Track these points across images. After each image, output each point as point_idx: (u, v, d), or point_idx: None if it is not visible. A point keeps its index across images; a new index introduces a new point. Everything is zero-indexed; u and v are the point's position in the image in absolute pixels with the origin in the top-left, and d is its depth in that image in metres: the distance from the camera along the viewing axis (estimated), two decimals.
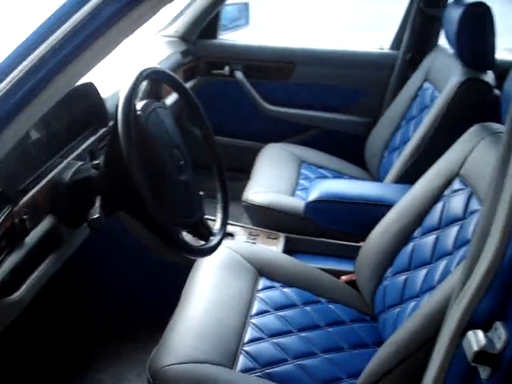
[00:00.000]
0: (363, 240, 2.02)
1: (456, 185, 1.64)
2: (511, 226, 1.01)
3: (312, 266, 1.98)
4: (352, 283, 1.96)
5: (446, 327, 1.12)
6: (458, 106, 2.10)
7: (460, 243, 1.53)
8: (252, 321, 1.63)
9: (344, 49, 2.94)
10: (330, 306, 1.80)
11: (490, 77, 2.15)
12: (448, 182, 1.66)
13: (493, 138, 1.59)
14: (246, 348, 1.54)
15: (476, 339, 1.04)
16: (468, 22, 2.08)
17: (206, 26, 2.82)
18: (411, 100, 2.56)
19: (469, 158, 1.62)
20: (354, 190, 2.01)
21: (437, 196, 1.68)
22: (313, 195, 1.97)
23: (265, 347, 1.55)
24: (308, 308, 1.75)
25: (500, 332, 1.04)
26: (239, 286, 1.74)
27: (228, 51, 2.91)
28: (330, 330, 1.68)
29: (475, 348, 1.02)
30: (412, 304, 1.60)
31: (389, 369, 1.35)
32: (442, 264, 1.56)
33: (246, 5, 3.00)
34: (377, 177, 2.60)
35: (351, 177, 2.64)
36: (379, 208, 1.91)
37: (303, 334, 1.63)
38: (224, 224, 1.59)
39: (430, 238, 1.65)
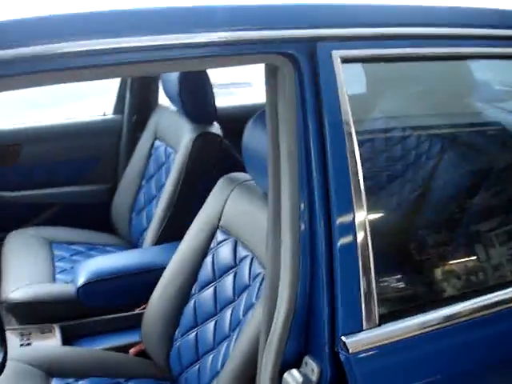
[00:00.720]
0: (138, 306, 2.02)
1: (220, 236, 1.75)
2: (297, 278, 1.14)
3: (98, 349, 1.93)
4: (142, 353, 1.96)
5: (262, 375, 1.21)
6: (196, 161, 2.24)
7: (239, 289, 1.63)
8: None
9: (67, 121, 2.91)
10: (129, 383, 1.77)
11: (216, 128, 2.34)
12: (211, 235, 1.77)
13: (242, 188, 1.74)
14: None
15: (293, 378, 1.14)
16: (188, 81, 2.24)
17: None
18: (146, 159, 2.64)
19: (225, 209, 1.75)
20: (121, 263, 2.01)
21: (204, 250, 1.77)
22: (81, 279, 1.91)
23: None
24: None
25: (311, 365, 1.16)
26: None
27: None
28: None
29: None
30: (210, 357, 1.66)
31: None
32: (228, 312, 1.65)
33: None
34: (130, 240, 2.62)
35: (104, 245, 2.61)
36: (150, 273, 1.94)
37: None
38: (3, 340, 1.46)
39: (209, 291, 1.73)
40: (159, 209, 2.30)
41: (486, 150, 1.72)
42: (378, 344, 1.15)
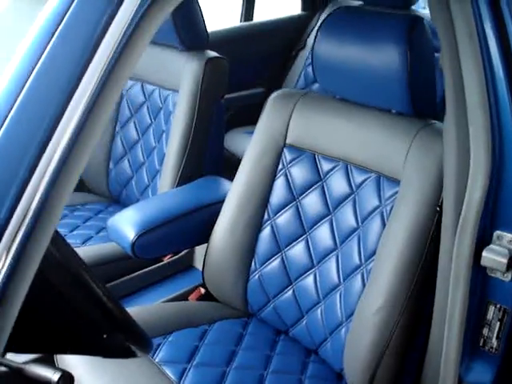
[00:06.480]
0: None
1: (289, 155, 1.65)
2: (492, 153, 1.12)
3: (163, 304, 1.80)
4: (203, 297, 1.84)
5: (456, 262, 1.17)
6: (208, 89, 2.03)
7: (333, 202, 1.57)
8: None
9: None
10: (215, 326, 1.66)
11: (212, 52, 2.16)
12: (278, 156, 1.66)
13: (306, 99, 1.65)
14: None
15: (495, 252, 1.14)
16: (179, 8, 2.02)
17: None
18: (116, 103, 2.40)
19: (290, 124, 1.65)
20: (166, 207, 1.80)
21: (272, 173, 1.66)
22: (130, 233, 1.68)
23: None
24: (207, 341, 1.60)
25: (507, 237, 1.16)
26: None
27: None
28: (236, 348, 1.60)
29: (504, 260, 1.13)
30: (309, 279, 1.60)
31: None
32: (324, 226, 1.58)
33: None
34: (108, 195, 2.41)
35: (83, 204, 2.38)
36: (201, 212, 1.80)
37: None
38: None
39: (289, 213, 1.64)
40: (172, 151, 2.08)
41: None
42: None
